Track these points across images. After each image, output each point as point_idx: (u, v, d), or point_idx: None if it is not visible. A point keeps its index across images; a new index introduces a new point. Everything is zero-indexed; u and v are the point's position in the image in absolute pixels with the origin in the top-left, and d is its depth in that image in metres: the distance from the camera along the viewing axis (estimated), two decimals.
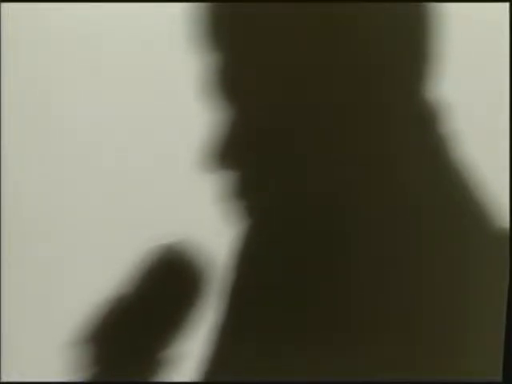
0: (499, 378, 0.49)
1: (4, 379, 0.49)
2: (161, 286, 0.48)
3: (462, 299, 0.48)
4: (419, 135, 0.48)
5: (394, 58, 0.47)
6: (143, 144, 0.47)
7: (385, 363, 0.48)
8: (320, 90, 0.47)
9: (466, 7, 0.46)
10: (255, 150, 0.47)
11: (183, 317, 0.48)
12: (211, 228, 0.47)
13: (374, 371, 0.48)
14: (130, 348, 0.49)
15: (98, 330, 0.48)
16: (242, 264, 0.48)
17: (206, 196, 0.47)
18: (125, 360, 0.49)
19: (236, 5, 0.45)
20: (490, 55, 0.47)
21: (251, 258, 0.48)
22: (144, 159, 0.48)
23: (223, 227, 0.48)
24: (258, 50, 0.46)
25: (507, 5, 0.47)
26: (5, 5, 0.46)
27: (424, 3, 0.46)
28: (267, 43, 0.46)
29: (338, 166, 0.48)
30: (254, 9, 0.45)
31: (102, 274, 0.48)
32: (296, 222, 0.48)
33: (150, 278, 0.48)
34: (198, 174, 0.47)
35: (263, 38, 0.46)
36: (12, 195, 0.49)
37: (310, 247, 0.48)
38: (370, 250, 0.48)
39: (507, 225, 0.48)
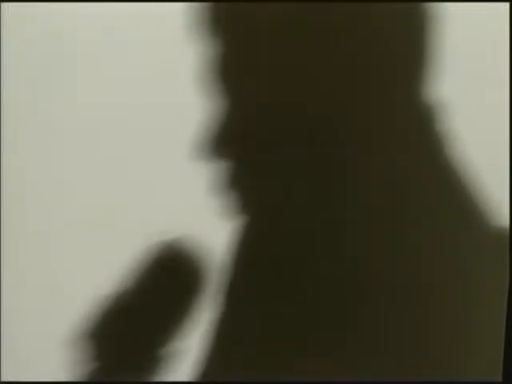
0: (499, 378, 0.49)
1: (4, 379, 0.49)
2: (159, 282, 0.48)
3: (462, 299, 0.48)
4: (419, 135, 0.48)
5: (393, 58, 0.47)
6: (141, 137, 0.47)
7: (385, 363, 0.48)
8: (318, 86, 0.47)
9: (466, 7, 0.46)
10: (252, 142, 0.47)
11: (182, 313, 0.48)
12: (209, 223, 0.47)
13: (374, 371, 0.48)
14: (129, 345, 0.49)
15: (97, 328, 0.48)
16: (240, 259, 0.48)
17: (202, 189, 0.47)
18: (124, 357, 0.49)
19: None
20: (490, 55, 0.47)
21: (249, 254, 0.48)
22: (141, 154, 0.48)
23: (221, 223, 0.48)
24: (258, 44, 0.46)
25: (507, 5, 0.47)
26: (5, 5, 0.46)
27: (424, 3, 0.46)
28: (267, 36, 0.46)
29: (337, 162, 0.48)
30: (255, 5, 0.45)
31: (101, 272, 0.48)
32: (295, 215, 0.48)
33: (149, 274, 0.48)
34: (195, 166, 0.47)
35: (263, 31, 0.46)
36: (11, 189, 0.49)
37: (309, 241, 0.48)
38: (368, 249, 0.48)
39: (507, 225, 0.48)
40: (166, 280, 0.48)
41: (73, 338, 0.48)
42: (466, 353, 0.49)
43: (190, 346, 0.49)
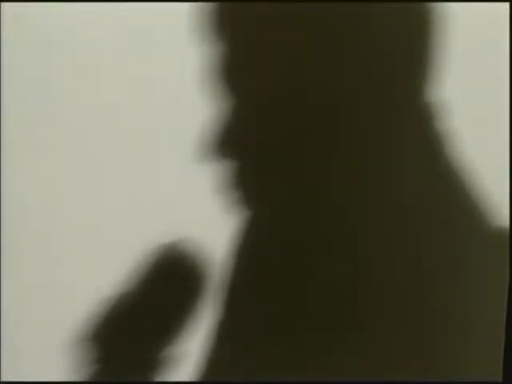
0: (499, 378, 0.49)
1: (4, 379, 0.49)
2: (160, 285, 0.48)
3: (462, 299, 0.48)
4: (419, 135, 0.48)
5: (393, 58, 0.47)
6: (143, 138, 0.47)
7: (385, 363, 0.48)
8: (320, 87, 0.47)
9: (466, 7, 0.46)
10: (255, 142, 0.47)
11: (184, 316, 0.48)
12: (210, 226, 0.47)
13: (374, 371, 0.48)
14: (129, 347, 0.49)
15: (97, 330, 0.48)
16: (241, 261, 0.48)
17: (205, 189, 0.47)
18: (124, 359, 0.49)
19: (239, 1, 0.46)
20: (490, 55, 0.47)
21: (251, 255, 0.48)
22: (144, 154, 0.48)
23: (223, 223, 0.48)
24: (260, 44, 0.46)
25: (507, 5, 0.47)
26: (5, 5, 0.46)
27: (424, 3, 0.46)
28: (269, 36, 0.46)
29: (337, 162, 0.48)
30: (256, 5, 0.45)
31: (102, 273, 0.48)
32: (296, 215, 0.48)
33: (150, 277, 0.48)
34: (198, 166, 0.47)
35: (265, 32, 0.46)
36: (11, 189, 0.49)
37: (310, 241, 0.48)
38: (369, 250, 0.48)
39: (507, 225, 0.48)
40: (168, 282, 0.48)
41: (73, 338, 0.48)
42: (466, 353, 0.49)
43: (192, 349, 0.49)
